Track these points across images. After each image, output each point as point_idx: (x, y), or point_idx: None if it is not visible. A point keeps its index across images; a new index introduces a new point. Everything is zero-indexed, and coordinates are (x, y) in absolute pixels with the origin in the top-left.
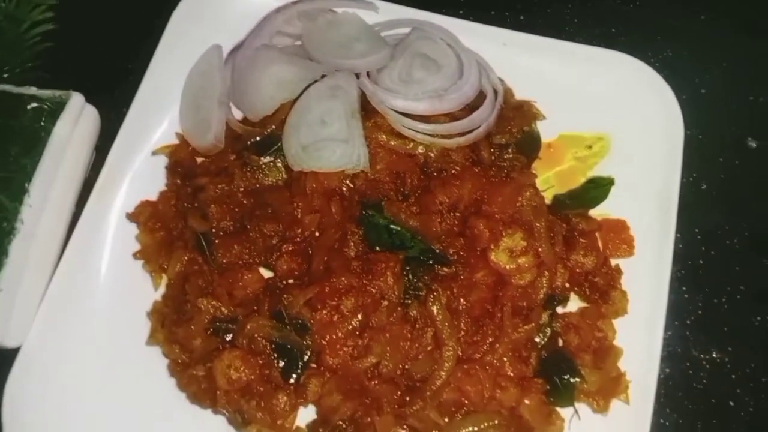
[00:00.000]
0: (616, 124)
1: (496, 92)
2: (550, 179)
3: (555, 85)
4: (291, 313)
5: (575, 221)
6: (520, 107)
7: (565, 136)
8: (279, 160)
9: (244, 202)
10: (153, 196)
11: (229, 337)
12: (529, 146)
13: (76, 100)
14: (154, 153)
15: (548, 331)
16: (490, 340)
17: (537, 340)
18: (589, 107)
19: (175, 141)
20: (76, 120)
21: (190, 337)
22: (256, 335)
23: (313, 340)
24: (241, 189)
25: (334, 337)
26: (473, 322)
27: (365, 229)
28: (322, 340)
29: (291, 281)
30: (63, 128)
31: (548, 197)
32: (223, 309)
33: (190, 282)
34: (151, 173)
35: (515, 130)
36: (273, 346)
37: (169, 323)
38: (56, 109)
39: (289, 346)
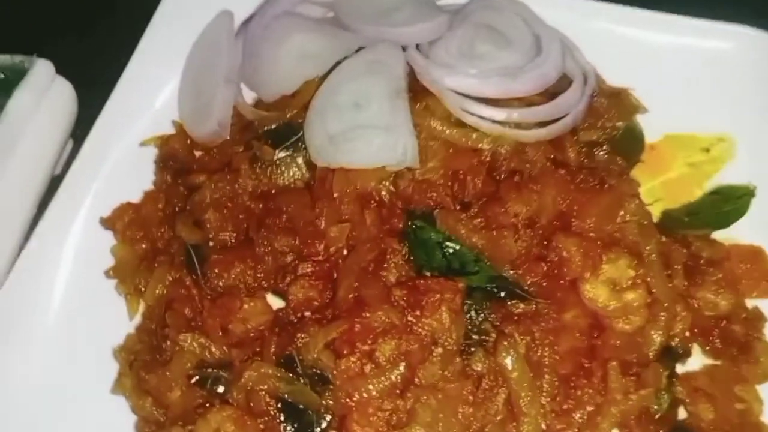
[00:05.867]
0: (742, 122)
1: (585, 77)
2: (656, 190)
3: (660, 70)
4: (306, 359)
5: (697, 246)
6: (616, 96)
7: (672, 137)
8: (299, 153)
9: (252, 206)
10: (136, 198)
11: (220, 390)
12: (629, 146)
13: (42, 68)
14: (142, 144)
15: (665, 397)
16: (588, 409)
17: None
18: (706, 99)
19: (170, 130)
20: (42, 93)
21: (167, 387)
22: (256, 389)
23: (335, 398)
24: (249, 190)
25: (365, 395)
26: (563, 382)
27: (411, 246)
28: (348, 400)
29: (308, 314)
30: (22, 101)
31: (655, 213)
32: (213, 349)
33: (173, 310)
34: (136, 168)
35: (609, 125)
36: (280, 405)
37: (141, 366)
38: (14, 77)
39: (301, 407)
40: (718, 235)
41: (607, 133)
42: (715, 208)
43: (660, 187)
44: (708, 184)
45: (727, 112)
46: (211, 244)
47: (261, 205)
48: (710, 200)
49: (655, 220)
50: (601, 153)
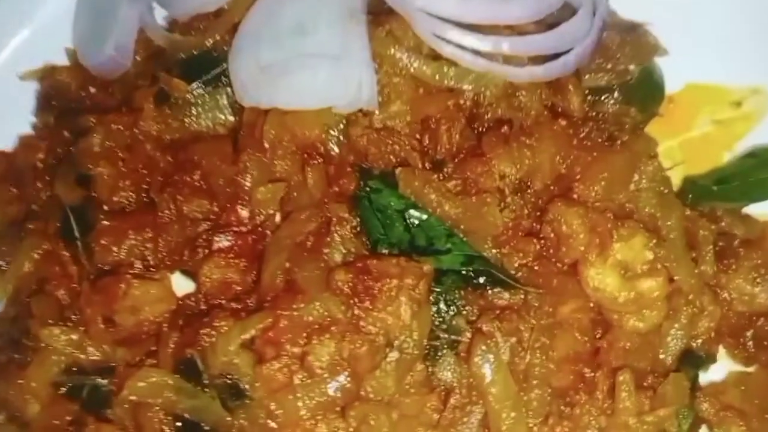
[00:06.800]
0: None
1: (594, 4)
2: (674, 152)
3: (683, 4)
4: (214, 364)
5: (727, 223)
6: (632, 32)
7: (696, 87)
8: (221, 90)
9: (156, 158)
10: (9, 145)
11: (97, 403)
12: (645, 94)
13: None
14: (22, 77)
15: (687, 415)
16: None
17: None
18: (737, 43)
19: (62, 60)
20: None
21: (24, 400)
22: (146, 402)
23: (251, 417)
24: (153, 136)
25: (293, 414)
26: (557, 398)
27: (364, 215)
28: (270, 421)
29: (222, 302)
30: None
31: (674, 181)
32: (91, 349)
33: (42, 294)
34: (11, 107)
35: (621, 68)
36: (178, 424)
37: None
38: None
39: (206, 428)
40: (751, 209)
41: (619, 77)
42: (751, 175)
43: (679, 149)
44: (738, 145)
45: (763, 59)
46: (101, 206)
47: (168, 157)
48: (744, 165)
49: (674, 188)
50: (612, 102)
